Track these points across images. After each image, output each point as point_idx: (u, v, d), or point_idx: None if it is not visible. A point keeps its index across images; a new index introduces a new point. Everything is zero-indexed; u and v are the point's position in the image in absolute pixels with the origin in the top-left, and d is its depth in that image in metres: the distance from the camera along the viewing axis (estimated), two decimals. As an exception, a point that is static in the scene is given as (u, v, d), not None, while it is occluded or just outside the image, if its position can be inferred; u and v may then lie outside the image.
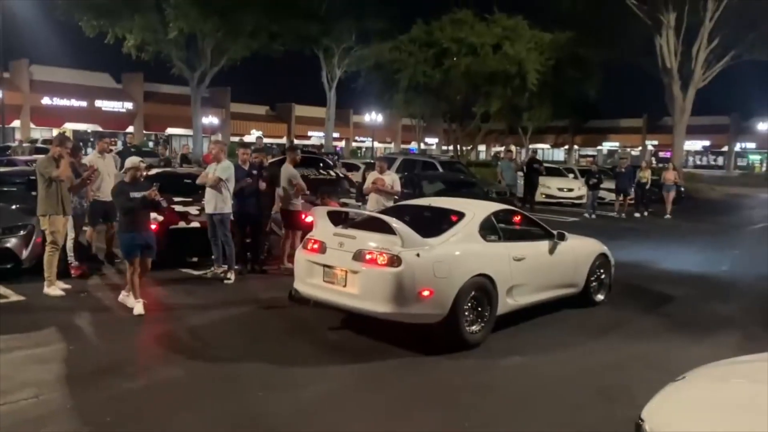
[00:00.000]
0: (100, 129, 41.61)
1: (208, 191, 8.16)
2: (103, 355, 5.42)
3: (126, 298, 6.75)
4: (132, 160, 6.92)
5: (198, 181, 8.55)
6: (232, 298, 7.49)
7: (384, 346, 5.79)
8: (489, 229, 6.35)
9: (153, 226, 8.59)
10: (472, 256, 5.97)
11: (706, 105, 33.26)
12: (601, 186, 18.09)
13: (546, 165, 20.81)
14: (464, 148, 31.66)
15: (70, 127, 42.47)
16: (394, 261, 5.47)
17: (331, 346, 5.92)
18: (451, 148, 40.02)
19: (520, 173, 18.78)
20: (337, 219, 6.93)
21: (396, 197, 9.52)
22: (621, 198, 18.20)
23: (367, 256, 5.62)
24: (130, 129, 44.08)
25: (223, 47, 32.21)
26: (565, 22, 26.54)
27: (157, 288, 7.76)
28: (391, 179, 9.81)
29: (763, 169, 55.19)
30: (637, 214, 18.24)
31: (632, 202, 18.67)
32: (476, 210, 6.53)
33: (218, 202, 8.12)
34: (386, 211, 6.71)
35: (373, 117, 44.49)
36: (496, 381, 5.20)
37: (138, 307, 6.53)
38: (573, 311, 7.25)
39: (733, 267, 10.74)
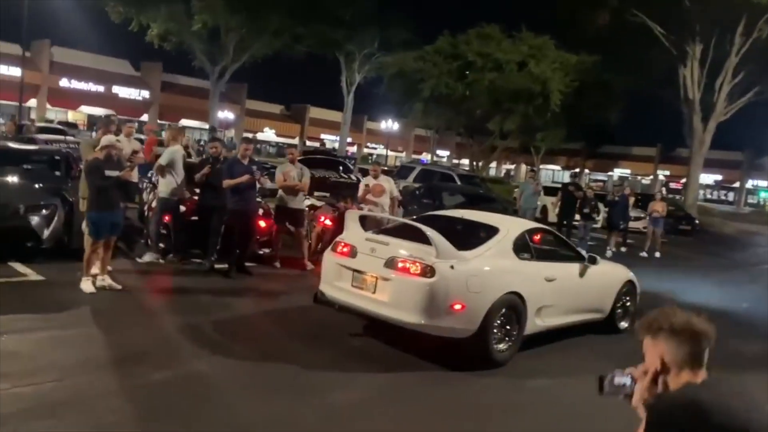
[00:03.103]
0: (115, 114, 41.71)
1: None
2: (126, 343, 5.33)
3: (86, 282, 6.62)
4: (108, 138, 6.88)
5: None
6: (250, 295, 7.41)
7: (407, 357, 5.67)
8: (522, 247, 6.23)
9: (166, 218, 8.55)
10: (506, 272, 5.86)
11: (720, 139, 33.11)
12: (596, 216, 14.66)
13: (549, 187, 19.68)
14: (479, 164, 31.57)
15: (85, 110, 42.64)
16: (428, 271, 5.36)
17: (355, 352, 5.80)
18: (464, 161, 39.98)
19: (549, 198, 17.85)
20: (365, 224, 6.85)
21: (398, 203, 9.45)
22: (614, 232, 14.95)
23: (400, 264, 5.51)
24: (145, 117, 44.20)
25: (246, 44, 32.29)
26: (591, 46, 26.51)
27: (171, 278, 7.71)
28: (390, 185, 9.59)
29: (774, 207, 54.96)
30: (611, 249, 14.55)
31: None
32: (510, 226, 6.42)
33: (162, 187, 8.11)
34: (419, 220, 6.60)
35: (389, 125, 44.44)
36: (526, 402, 5.08)
37: (87, 285, 6.52)
38: (597, 337, 7.12)
39: (754, 304, 10.58)
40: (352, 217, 6.47)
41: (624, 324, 7.49)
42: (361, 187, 9.64)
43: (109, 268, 7.17)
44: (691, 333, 1.85)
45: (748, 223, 31.85)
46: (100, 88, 42.53)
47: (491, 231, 6.19)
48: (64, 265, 7.08)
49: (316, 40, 32.39)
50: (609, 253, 14.37)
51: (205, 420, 4.09)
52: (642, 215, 18.13)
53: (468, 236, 6.12)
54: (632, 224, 17.43)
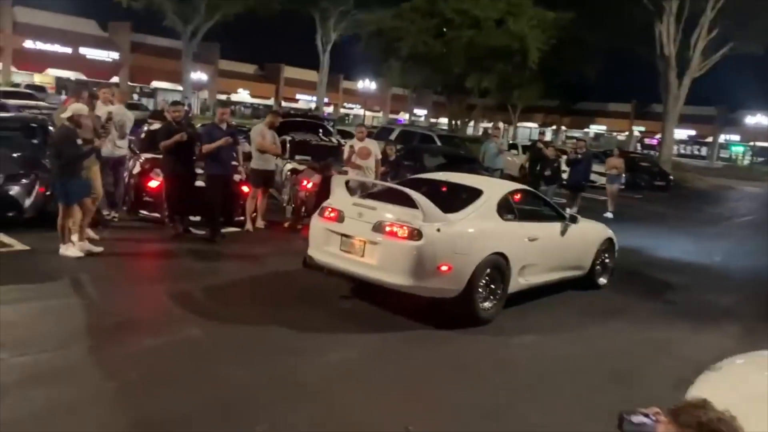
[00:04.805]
0: (83, 77, 40.60)
1: None
2: (118, 311, 5.38)
3: (68, 248, 6.67)
4: (77, 107, 6.82)
5: None
6: (237, 260, 7.47)
7: (396, 318, 5.81)
8: (506, 208, 6.35)
9: (156, 183, 8.54)
10: (490, 234, 5.99)
11: (694, 95, 33.46)
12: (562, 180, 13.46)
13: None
14: (458, 123, 31.52)
15: (52, 73, 41.42)
16: (415, 234, 5.45)
17: (346, 314, 5.93)
18: (442, 120, 39.91)
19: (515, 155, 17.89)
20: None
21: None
22: (577, 194, 13.46)
23: (387, 228, 5.59)
24: (115, 79, 43.11)
25: (218, 2, 31.44)
26: (569, 2, 26.32)
27: (163, 246, 7.72)
28: (375, 148, 9.58)
29: (745, 161, 56.04)
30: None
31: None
32: (494, 188, 6.54)
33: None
34: (403, 184, 6.67)
35: (366, 84, 43.98)
36: (515, 358, 5.27)
37: (71, 250, 6.61)
38: (577, 293, 7.34)
39: (725, 258, 10.92)
40: (338, 182, 6.52)
41: (603, 280, 7.72)
42: (346, 149, 9.63)
43: (92, 234, 7.17)
44: None
45: (721, 177, 32.54)
46: (68, 50, 41.20)
47: (475, 193, 6.29)
48: (48, 234, 7.00)
49: (290, -3, 31.68)
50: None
51: (206, 383, 4.18)
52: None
53: (453, 199, 6.21)
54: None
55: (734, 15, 25.29)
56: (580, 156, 13.31)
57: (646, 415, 2.03)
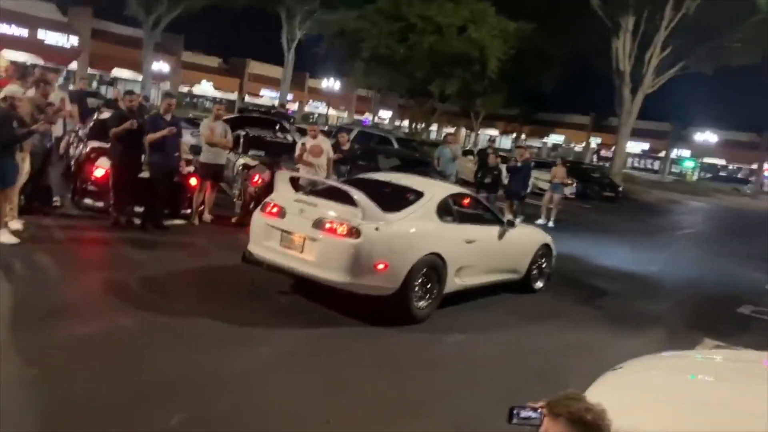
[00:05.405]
0: (41, 62, 39.44)
1: None
2: (50, 298, 5.34)
3: (3, 233, 6.55)
4: (11, 89, 6.77)
5: None
6: (175, 252, 7.46)
7: (332, 314, 5.92)
8: (445, 210, 6.53)
9: (101, 172, 8.46)
10: (428, 234, 6.15)
11: (650, 110, 34.47)
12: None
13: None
14: (418, 126, 31.79)
15: (8, 56, 40.09)
16: (354, 232, 5.58)
17: (282, 309, 6.01)
18: (406, 123, 40.25)
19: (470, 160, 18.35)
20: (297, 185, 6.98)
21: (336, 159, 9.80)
22: (512, 202, 13.16)
23: (327, 225, 5.70)
24: (74, 65, 42.00)
25: (182, -8, 31.03)
26: (531, 13, 26.87)
27: (104, 235, 7.64)
28: (328, 146, 9.71)
29: (695, 177, 57.98)
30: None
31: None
32: (435, 190, 6.70)
33: None
34: (348, 183, 6.78)
35: (331, 83, 43.93)
36: (444, 356, 5.44)
37: (7, 236, 6.50)
38: (513, 296, 7.57)
39: (661, 268, 11.36)
40: (282, 178, 6.60)
41: (539, 284, 7.98)
42: (299, 147, 9.69)
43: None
44: (585, 426, 1.92)
45: (669, 191, 33.61)
46: (24, 32, 39.95)
47: (417, 195, 6.45)
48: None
49: (255, -8, 31.42)
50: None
51: (131, 372, 4.21)
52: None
53: (394, 199, 6.35)
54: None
55: (686, 35, 26.25)
56: (519, 165, 13.11)
57: (534, 409, 2.16)
